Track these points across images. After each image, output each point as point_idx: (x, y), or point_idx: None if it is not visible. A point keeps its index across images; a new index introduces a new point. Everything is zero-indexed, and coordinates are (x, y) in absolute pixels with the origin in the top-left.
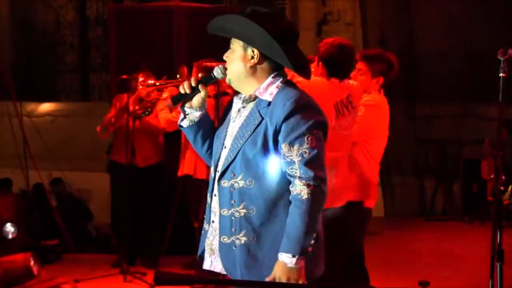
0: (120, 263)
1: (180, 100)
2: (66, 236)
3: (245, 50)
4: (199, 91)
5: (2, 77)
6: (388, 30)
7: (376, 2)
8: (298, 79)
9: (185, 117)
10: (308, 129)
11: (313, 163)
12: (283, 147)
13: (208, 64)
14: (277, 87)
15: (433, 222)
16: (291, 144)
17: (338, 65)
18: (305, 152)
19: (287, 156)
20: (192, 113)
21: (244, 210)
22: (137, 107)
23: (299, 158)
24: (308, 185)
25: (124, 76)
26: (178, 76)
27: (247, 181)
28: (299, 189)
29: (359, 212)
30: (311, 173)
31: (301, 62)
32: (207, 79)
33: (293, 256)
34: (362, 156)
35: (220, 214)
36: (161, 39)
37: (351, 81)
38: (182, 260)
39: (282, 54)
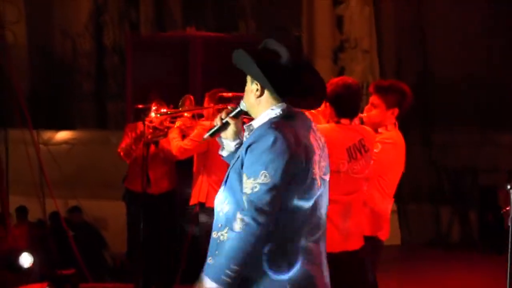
0: None
1: (216, 132)
2: (82, 265)
3: (251, 83)
4: (229, 124)
5: (19, 105)
6: (405, 57)
7: (393, 29)
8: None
9: (224, 148)
10: (265, 164)
11: (259, 201)
12: (243, 176)
13: (224, 94)
14: (268, 117)
15: (449, 251)
16: (247, 176)
17: (346, 105)
18: (255, 187)
19: (244, 187)
20: (228, 144)
21: (227, 234)
22: (149, 136)
23: (250, 191)
24: (242, 220)
25: (139, 106)
26: (180, 105)
27: (230, 206)
28: (237, 221)
29: (372, 246)
30: (252, 211)
31: (306, 93)
32: (235, 112)
33: (209, 279)
34: (376, 191)
35: (211, 236)
36: (177, 68)
37: (363, 114)
38: None
39: (268, 84)
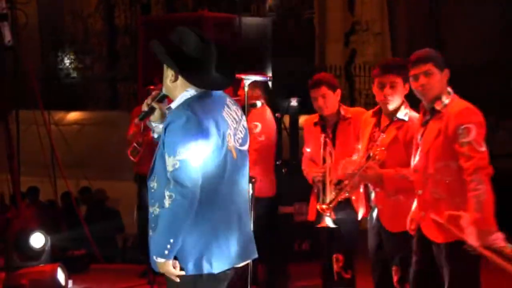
0: (147, 274)
1: (145, 116)
2: (93, 246)
3: (166, 70)
4: (155, 108)
5: (30, 86)
6: (417, 41)
7: (405, 12)
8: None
9: (154, 131)
10: (181, 142)
11: (181, 176)
12: (165, 155)
13: (237, 75)
14: (183, 99)
15: None
16: (168, 154)
17: None
18: (176, 164)
19: (167, 165)
20: (157, 126)
21: (158, 210)
22: None
23: (172, 169)
24: (170, 197)
25: (151, 87)
26: None
27: (157, 183)
28: (165, 198)
29: None
30: (176, 186)
31: (216, 75)
32: (159, 96)
33: (153, 255)
34: None
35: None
36: None
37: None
38: None
39: (178, 71)
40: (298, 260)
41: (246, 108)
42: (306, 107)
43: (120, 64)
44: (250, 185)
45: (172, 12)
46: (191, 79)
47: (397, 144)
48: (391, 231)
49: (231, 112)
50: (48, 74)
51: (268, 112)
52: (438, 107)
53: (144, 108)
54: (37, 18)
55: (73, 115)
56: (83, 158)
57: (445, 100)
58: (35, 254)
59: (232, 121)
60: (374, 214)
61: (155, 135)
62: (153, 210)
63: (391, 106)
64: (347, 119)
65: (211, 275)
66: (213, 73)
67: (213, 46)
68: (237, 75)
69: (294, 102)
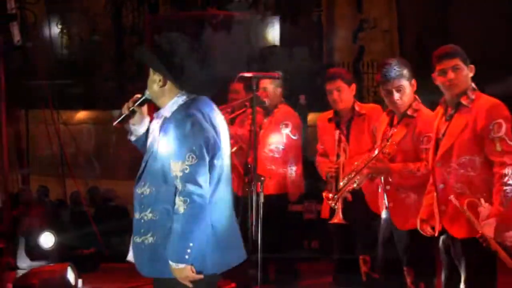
0: None
1: (124, 119)
2: (102, 245)
3: (153, 74)
4: (136, 111)
5: (39, 85)
6: (426, 38)
7: (413, 9)
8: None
9: (132, 133)
10: (189, 147)
11: (193, 179)
12: (171, 161)
13: (245, 74)
14: (177, 105)
15: None
16: (175, 160)
17: None
18: (186, 169)
19: (172, 171)
20: (136, 129)
21: (149, 215)
22: None
23: (181, 174)
24: (184, 201)
25: None
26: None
27: (150, 189)
28: (178, 204)
29: None
30: (189, 190)
31: (205, 81)
32: (141, 100)
33: (173, 262)
34: None
35: (134, 217)
36: None
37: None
38: None
39: (168, 76)
40: (307, 258)
41: (254, 107)
42: (314, 105)
43: (127, 64)
44: (259, 183)
45: (180, 10)
46: (182, 85)
47: (406, 140)
48: (400, 228)
49: (219, 118)
50: (56, 73)
51: (292, 110)
52: (465, 101)
53: (125, 111)
54: (46, 18)
55: (81, 115)
56: (92, 157)
57: (471, 95)
58: (45, 254)
59: (221, 125)
60: (383, 214)
61: (133, 138)
62: (143, 215)
63: (403, 109)
64: (362, 115)
65: (213, 275)
66: (202, 78)
67: (202, 51)
68: (247, 74)
69: (302, 100)
